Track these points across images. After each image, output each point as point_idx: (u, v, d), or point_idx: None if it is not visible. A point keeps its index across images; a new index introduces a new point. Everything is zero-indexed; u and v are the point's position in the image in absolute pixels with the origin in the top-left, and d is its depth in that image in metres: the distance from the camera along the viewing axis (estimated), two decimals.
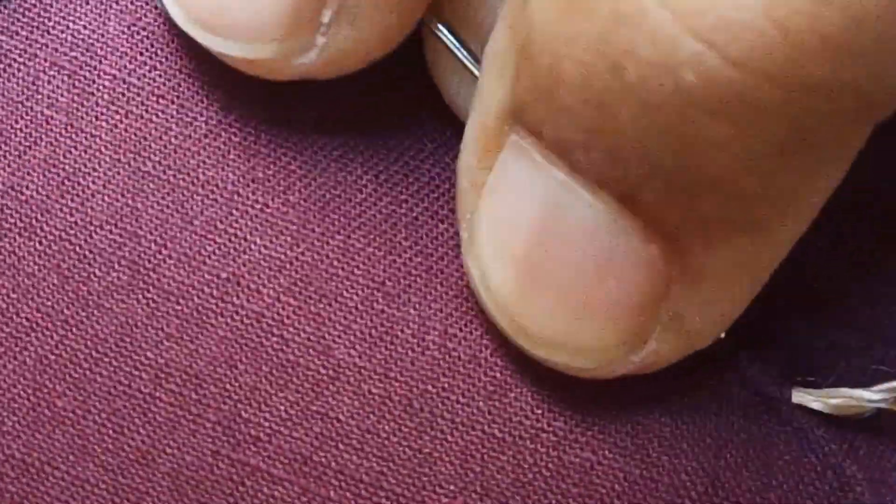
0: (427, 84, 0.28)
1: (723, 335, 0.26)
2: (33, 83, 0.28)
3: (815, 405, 0.26)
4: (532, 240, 0.24)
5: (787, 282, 0.27)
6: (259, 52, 0.25)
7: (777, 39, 0.19)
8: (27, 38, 0.28)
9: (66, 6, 0.28)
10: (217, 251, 0.27)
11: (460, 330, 0.27)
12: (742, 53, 0.19)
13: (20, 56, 0.28)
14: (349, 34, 0.25)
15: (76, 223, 0.27)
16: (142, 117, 0.28)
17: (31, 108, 0.28)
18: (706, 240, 0.22)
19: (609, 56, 0.20)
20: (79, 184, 0.28)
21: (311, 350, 0.27)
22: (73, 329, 0.27)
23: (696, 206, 0.21)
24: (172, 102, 0.28)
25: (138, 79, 0.28)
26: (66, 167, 0.28)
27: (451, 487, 0.27)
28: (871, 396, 0.26)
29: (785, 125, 0.20)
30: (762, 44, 0.19)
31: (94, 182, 0.28)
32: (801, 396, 0.26)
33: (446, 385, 0.27)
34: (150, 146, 0.28)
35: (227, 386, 0.27)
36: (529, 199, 0.23)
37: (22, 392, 0.27)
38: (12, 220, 0.27)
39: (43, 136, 0.28)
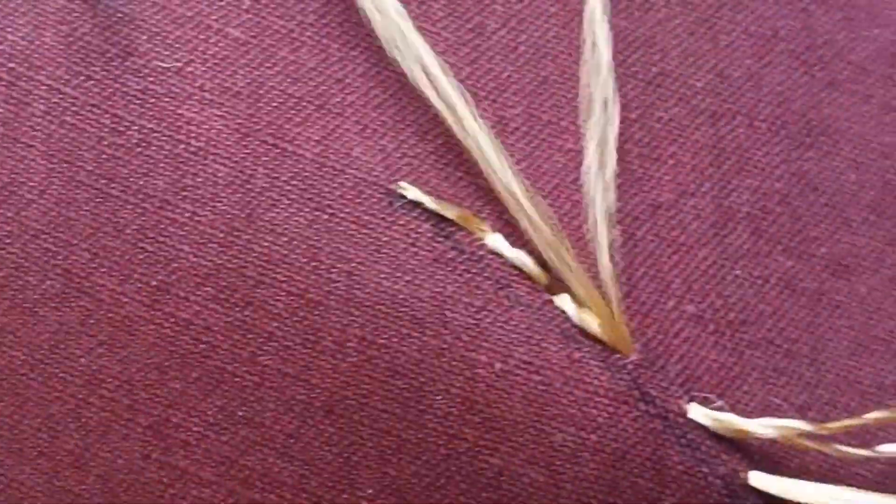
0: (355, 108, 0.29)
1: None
2: None
3: (707, 423, 0.27)
4: None
5: (698, 300, 0.28)
6: None
7: None
8: None
9: (3, 18, 0.30)
10: (148, 259, 0.29)
11: (379, 338, 0.28)
12: None
13: None
14: None
15: (11, 232, 0.29)
16: (76, 127, 0.29)
17: None
18: None
19: None
20: (14, 193, 0.29)
21: (237, 357, 0.29)
22: (9, 336, 0.29)
23: None
24: (106, 112, 0.29)
25: (73, 88, 0.30)
26: (3, 177, 0.29)
27: (370, 491, 0.28)
28: (758, 430, 0.27)
29: None
30: None
31: (29, 192, 0.29)
32: (695, 412, 0.27)
33: (366, 392, 0.28)
34: (83, 156, 0.29)
35: (158, 392, 0.29)
36: None
37: None
38: None
39: None
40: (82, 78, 0.30)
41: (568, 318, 0.28)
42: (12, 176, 0.29)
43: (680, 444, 0.28)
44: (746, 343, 0.29)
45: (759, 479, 0.27)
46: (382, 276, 0.28)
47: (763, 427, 0.27)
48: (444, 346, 0.28)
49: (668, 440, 0.28)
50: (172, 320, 0.29)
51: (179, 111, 0.30)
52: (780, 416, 0.28)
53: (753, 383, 0.29)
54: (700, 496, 0.27)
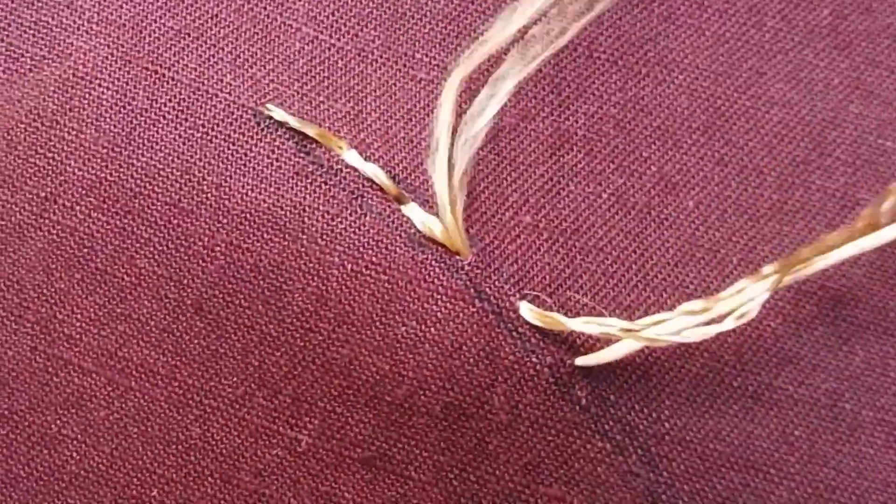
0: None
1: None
2: None
3: (535, 321, 0.31)
4: None
5: (534, 211, 0.32)
6: None
7: None
8: None
9: None
10: (38, 173, 0.33)
11: (244, 242, 0.32)
12: None
13: None
14: None
15: None
16: None
17: None
18: None
19: None
20: None
21: (116, 260, 0.33)
22: None
23: None
24: (2, 41, 0.34)
25: None
26: None
27: (234, 379, 0.32)
28: (577, 326, 0.31)
29: None
30: None
31: None
32: (525, 311, 0.31)
33: (231, 290, 0.32)
34: None
35: (45, 291, 0.33)
36: None
37: None
38: None
39: None
40: None
41: (413, 225, 0.32)
42: None
43: (511, 336, 0.32)
44: (578, 250, 0.33)
45: (585, 360, 0.31)
46: (249, 187, 0.33)
47: (584, 325, 0.31)
48: (302, 249, 0.32)
49: (500, 333, 0.32)
50: (59, 227, 0.33)
51: (69, 40, 0.34)
52: (606, 312, 0.32)
53: (583, 285, 0.33)
54: (530, 383, 0.31)
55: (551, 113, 0.34)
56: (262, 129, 0.33)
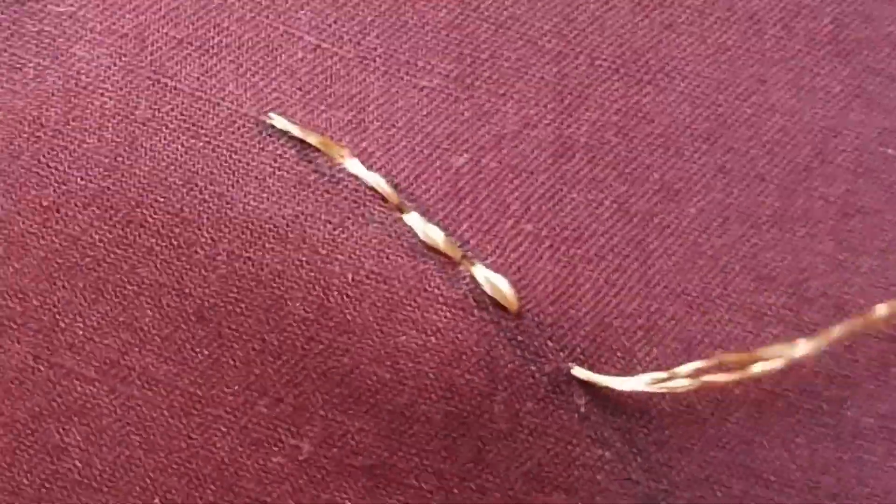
0: None
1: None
2: None
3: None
4: None
5: (536, 220, 0.33)
6: None
7: None
8: None
9: None
10: (39, 182, 0.33)
11: (245, 251, 0.33)
12: None
13: None
14: None
15: None
16: None
17: None
18: None
19: None
20: None
21: (119, 269, 0.33)
22: None
23: None
24: (5, 51, 0.34)
25: None
26: None
27: (235, 387, 0.33)
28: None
29: None
30: None
31: None
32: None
33: (233, 299, 0.33)
34: None
35: (47, 300, 0.33)
36: None
37: None
38: None
39: None
40: None
41: (415, 234, 0.33)
42: None
43: (511, 345, 0.32)
44: (580, 258, 0.33)
45: (580, 372, 0.32)
46: (250, 196, 0.33)
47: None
48: (303, 258, 0.33)
49: (500, 343, 0.32)
50: (61, 236, 0.33)
51: (72, 50, 0.34)
52: (607, 320, 0.33)
53: (585, 293, 0.33)
54: (529, 391, 0.32)
55: (553, 120, 0.34)
56: (264, 138, 0.33)
